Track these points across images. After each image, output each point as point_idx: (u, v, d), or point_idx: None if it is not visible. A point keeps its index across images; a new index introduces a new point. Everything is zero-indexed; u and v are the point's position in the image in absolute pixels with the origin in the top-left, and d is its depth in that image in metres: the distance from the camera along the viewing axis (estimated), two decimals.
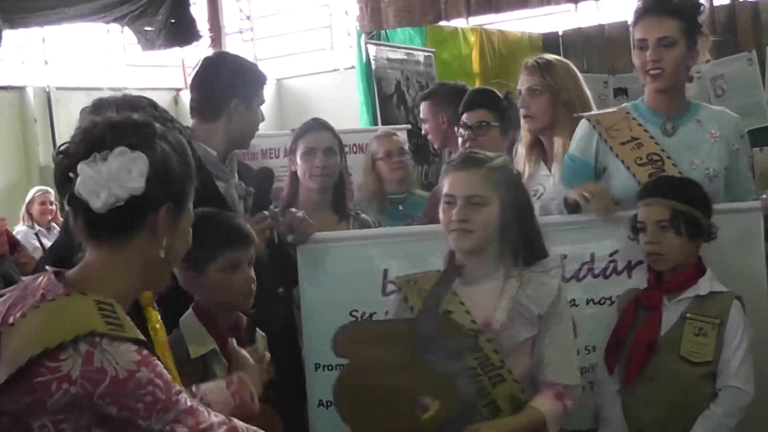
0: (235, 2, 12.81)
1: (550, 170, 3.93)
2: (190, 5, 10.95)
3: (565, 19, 10.83)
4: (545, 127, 3.93)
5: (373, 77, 8.75)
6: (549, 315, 2.86)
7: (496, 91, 4.60)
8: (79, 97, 9.61)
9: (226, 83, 3.59)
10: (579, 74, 4.05)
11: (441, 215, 2.95)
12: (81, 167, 1.98)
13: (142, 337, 1.96)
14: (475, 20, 10.35)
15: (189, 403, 1.98)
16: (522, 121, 3.99)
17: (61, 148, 2.06)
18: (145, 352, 1.93)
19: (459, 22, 10.22)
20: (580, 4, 10.05)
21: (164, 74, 12.36)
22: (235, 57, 4.01)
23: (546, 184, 3.91)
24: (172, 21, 10.61)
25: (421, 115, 5.17)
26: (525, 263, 2.91)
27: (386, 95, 8.75)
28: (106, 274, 2.04)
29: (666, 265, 3.18)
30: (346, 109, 9.65)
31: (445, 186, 2.97)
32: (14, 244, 6.07)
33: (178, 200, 2.08)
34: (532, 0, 9.73)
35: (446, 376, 2.61)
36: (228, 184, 3.59)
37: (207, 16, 11.95)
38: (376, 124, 8.23)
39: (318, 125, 4.25)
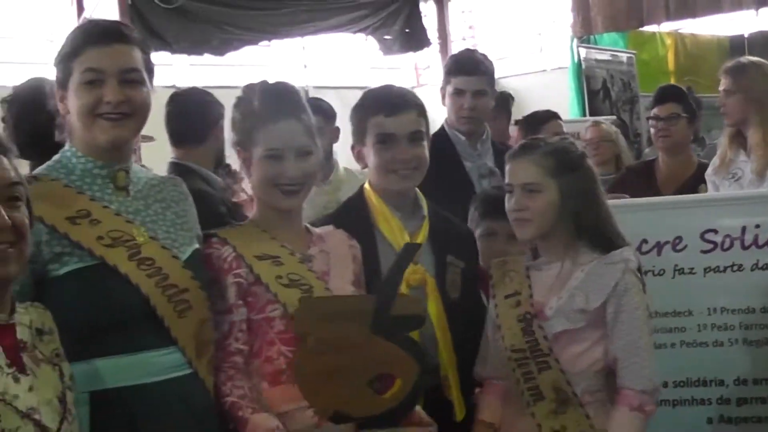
0: (460, 14, 13.51)
1: (749, 157, 4.17)
2: (422, 17, 12.46)
3: (750, 22, 11.04)
4: (739, 123, 4.19)
5: (582, 76, 9.60)
6: (614, 313, 2.65)
7: (681, 86, 5.09)
8: (330, 95, 10.63)
9: None
10: None
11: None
12: None
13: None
14: (670, 25, 10.96)
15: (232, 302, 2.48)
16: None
17: None
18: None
19: (654, 27, 10.90)
20: (761, 10, 10.50)
21: (400, 75, 13.08)
22: None
23: (744, 168, 4.15)
24: (407, 30, 12.17)
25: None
26: (596, 251, 2.73)
27: (594, 91, 9.63)
28: None
29: None
30: (553, 104, 9.68)
31: (505, 176, 2.84)
32: None
33: None
34: (724, 4, 10.18)
35: (402, 353, 2.41)
36: (473, 164, 3.96)
37: (436, 26, 13.15)
38: (584, 116, 9.03)
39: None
